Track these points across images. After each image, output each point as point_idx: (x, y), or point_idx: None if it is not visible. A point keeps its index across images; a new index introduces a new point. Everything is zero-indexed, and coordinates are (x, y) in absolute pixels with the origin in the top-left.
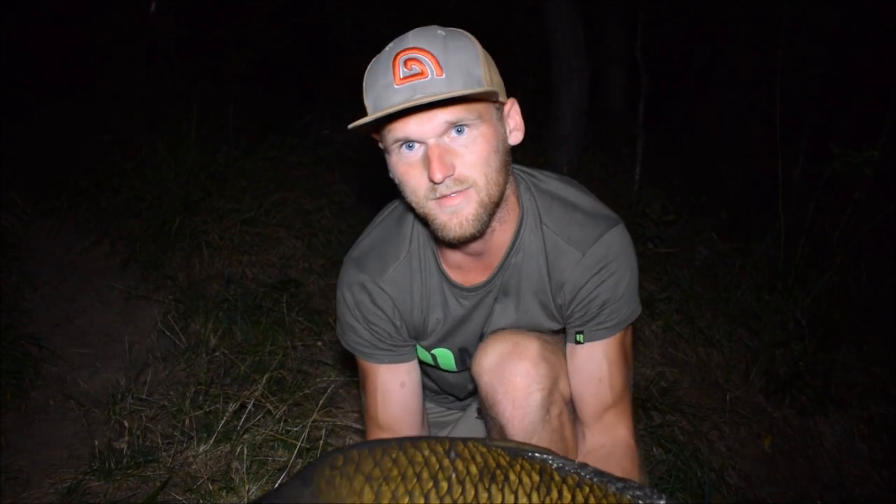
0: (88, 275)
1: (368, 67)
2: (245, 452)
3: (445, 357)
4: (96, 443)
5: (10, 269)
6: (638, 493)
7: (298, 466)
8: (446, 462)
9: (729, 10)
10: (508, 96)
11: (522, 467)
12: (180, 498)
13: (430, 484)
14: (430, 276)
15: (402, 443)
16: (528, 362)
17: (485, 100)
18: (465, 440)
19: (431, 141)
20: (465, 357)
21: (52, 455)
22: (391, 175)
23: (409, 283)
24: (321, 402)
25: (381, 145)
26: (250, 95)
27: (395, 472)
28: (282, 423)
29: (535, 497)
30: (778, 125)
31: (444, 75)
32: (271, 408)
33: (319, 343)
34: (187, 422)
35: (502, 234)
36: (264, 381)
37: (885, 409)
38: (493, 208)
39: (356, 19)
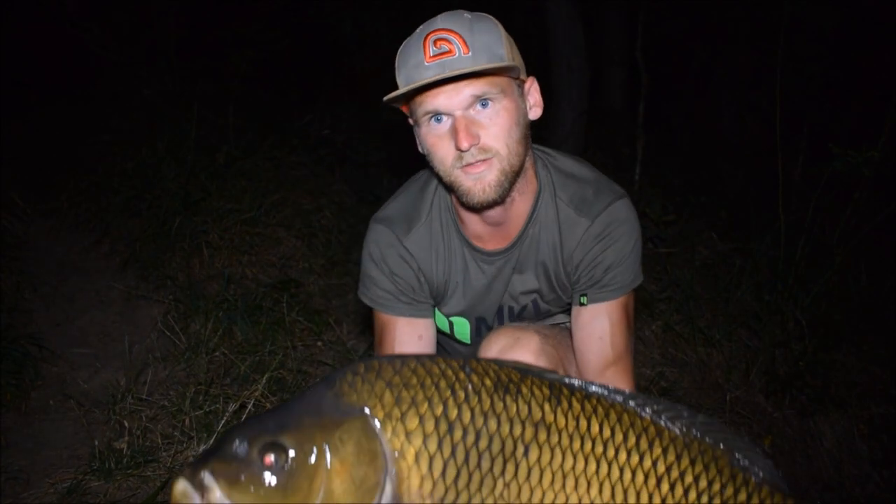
0: (88, 275)
1: (400, 49)
2: None
3: (462, 326)
4: (96, 443)
5: (10, 269)
6: (639, 400)
7: None
8: (462, 375)
9: (729, 10)
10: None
11: (533, 382)
12: None
13: (448, 392)
14: (452, 240)
15: (420, 357)
16: (530, 355)
17: (507, 76)
18: (477, 359)
19: (458, 113)
20: (481, 328)
21: (52, 455)
22: (420, 147)
23: (431, 244)
24: None
25: (410, 121)
26: (250, 95)
27: (414, 380)
28: None
29: (547, 407)
30: (778, 125)
31: (470, 53)
32: (271, 408)
33: (319, 343)
34: (187, 422)
35: (521, 204)
36: (264, 381)
37: (885, 409)
38: (513, 177)
39: (356, 19)
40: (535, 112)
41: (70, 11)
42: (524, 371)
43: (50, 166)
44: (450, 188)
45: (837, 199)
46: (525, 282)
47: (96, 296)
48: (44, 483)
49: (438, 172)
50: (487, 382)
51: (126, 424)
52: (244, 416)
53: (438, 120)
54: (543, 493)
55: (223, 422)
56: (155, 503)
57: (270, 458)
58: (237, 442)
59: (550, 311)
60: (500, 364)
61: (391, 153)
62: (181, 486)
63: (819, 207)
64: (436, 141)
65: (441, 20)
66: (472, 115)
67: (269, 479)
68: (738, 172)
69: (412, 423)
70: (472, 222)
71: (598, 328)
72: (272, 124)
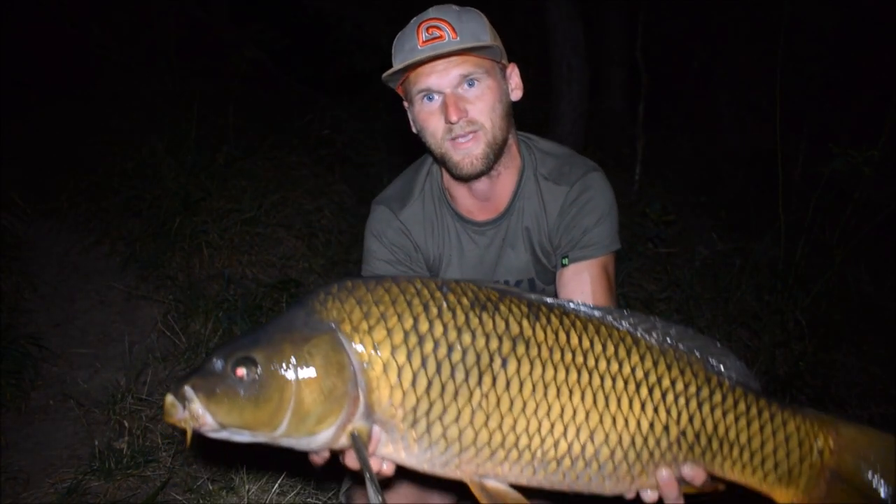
0: (88, 275)
1: (396, 38)
2: (245, 452)
3: None
4: (96, 443)
5: (10, 269)
6: (616, 314)
7: (298, 466)
8: (438, 294)
9: (729, 10)
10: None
11: (512, 301)
12: (180, 498)
13: (421, 308)
14: (444, 215)
15: (397, 277)
16: None
17: (491, 60)
18: (456, 280)
19: (448, 90)
20: None
21: (52, 455)
22: (413, 127)
23: (424, 218)
24: None
25: (405, 103)
26: (250, 95)
27: (385, 298)
28: None
29: (525, 322)
30: (778, 125)
31: (458, 38)
32: None
33: None
34: None
35: (506, 178)
36: None
37: (885, 409)
38: (498, 150)
39: (356, 19)
40: (516, 94)
41: (71, 12)
42: (503, 291)
43: (50, 166)
44: (441, 161)
45: (837, 199)
46: (518, 257)
47: (96, 296)
48: (44, 483)
49: (430, 146)
50: (464, 301)
51: (126, 424)
52: None
53: (430, 98)
54: (524, 403)
55: None
56: (155, 503)
57: (242, 371)
58: (215, 359)
59: (545, 290)
60: (480, 285)
61: (391, 153)
62: (169, 399)
63: (819, 207)
64: (427, 117)
65: (433, 11)
66: (460, 92)
67: (242, 390)
68: (738, 172)
69: (379, 335)
70: (462, 196)
71: (580, 286)
72: (272, 124)
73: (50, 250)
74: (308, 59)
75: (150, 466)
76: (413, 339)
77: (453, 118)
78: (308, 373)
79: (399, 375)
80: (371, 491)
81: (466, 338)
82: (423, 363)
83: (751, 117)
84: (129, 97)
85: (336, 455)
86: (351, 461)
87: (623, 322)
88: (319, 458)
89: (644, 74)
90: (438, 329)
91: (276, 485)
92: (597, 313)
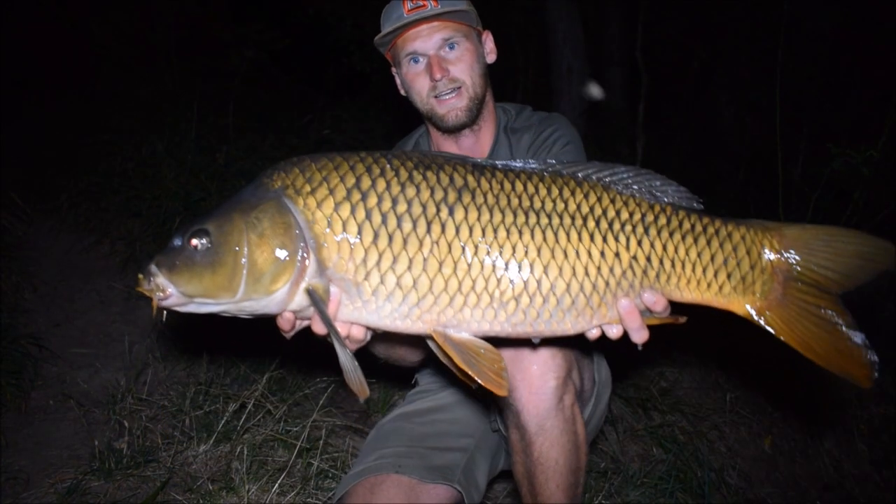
0: (88, 275)
1: (384, 10)
2: (245, 452)
3: None
4: (96, 443)
5: (10, 269)
6: (558, 165)
7: (298, 466)
8: (383, 160)
9: (729, 9)
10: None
11: (457, 162)
12: (180, 498)
13: (363, 170)
14: None
15: (345, 151)
16: (546, 351)
17: (468, 25)
18: (405, 151)
19: (432, 52)
20: None
21: (52, 455)
22: (401, 90)
23: None
24: (321, 402)
25: (393, 69)
26: (250, 95)
27: (329, 165)
28: (282, 423)
29: (470, 177)
30: (778, 125)
31: (439, 6)
32: (271, 408)
33: None
34: (187, 422)
35: (486, 133)
36: (264, 381)
37: (885, 409)
38: (479, 104)
39: (356, 19)
40: (490, 57)
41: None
42: (449, 156)
43: (50, 166)
44: (428, 117)
45: (837, 199)
46: None
47: (96, 296)
48: (44, 483)
49: (417, 104)
50: (408, 163)
51: (126, 424)
52: (244, 416)
53: (416, 60)
54: (476, 247)
55: (223, 422)
56: (155, 503)
57: (196, 241)
58: (175, 236)
59: None
60: (426, 152)
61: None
62: (140, 277)
63: (819, 207)
64: (414, 77)
65: None
66: (442, 54)
67: (199, 258)
68: (738, 172)
69: (322, 194)
70: (450, 147)
71: None
72: (272, 124)
73: (50, 250)
74: (308, 59)
75: (150, 466)
76: (356, 196)
77: (437, 76)
78: (257, 235)
79: (344, 229)
80: (338, 348)
81: (410, 191)
82: (368, 216)
83: (751, 117)
84: (129, 97)
85: (309, 335)
86: (317, 326)
87: (565, 169)
88: (286, 323)
89: (644, 74)
90: (381, 185)
91: (277, 485)
92: (538, 166)
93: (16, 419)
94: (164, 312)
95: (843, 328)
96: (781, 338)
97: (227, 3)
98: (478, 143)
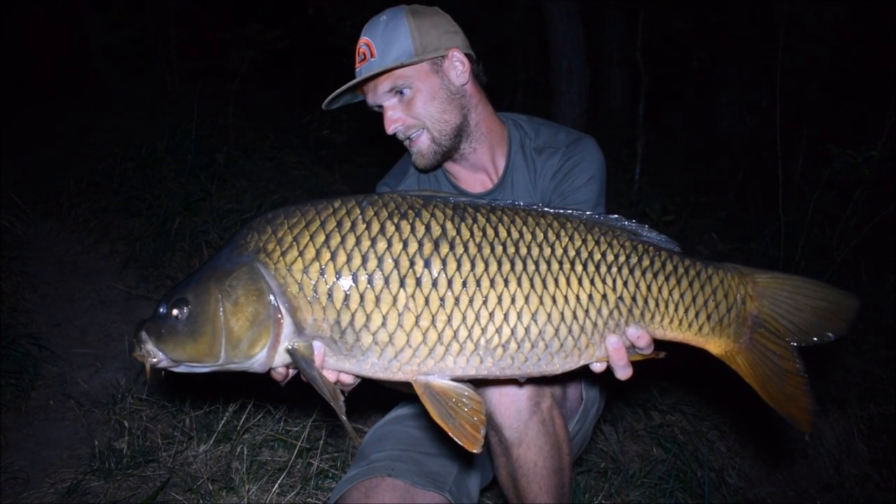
0: (88, 275)
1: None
2: (245, 452)
3: None
4: (96, 443)
5: (10, 269)
6: (541, 206)
7: (298, 466)
8: (356, 210)
9: (729, 9)
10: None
11: (436, 206)
12: (180, 498)
13: (333, 224)
14: (441, 184)
15: (318, 200)
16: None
17: (416, 63)
18: (381, 194)
19: (384, 103)
20: None
21: (52, 455)
22: None
23: (419, 188)
24: (321, 401)
25: None
26: (250, 95)
27: (300, 222)
28: (282, 423)
29: (448, 224)
30: (778, 125)
31: (376, 58)
32: (271, 408)
33: None
34: (187, 422)
35: (488, 150)
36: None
37: (885, 409)
38: (449, 138)
39: (356, 19)
40: (461, 78)
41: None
42: (429, 197)
43: (50, 166)
44: None
45: (837, 199)
46: None
47: (96, 296)
48: (44, 483)
49: None
50: (383, 212)
51: (126, 424)
52: (244, 416)
53: (379, 108)
54: (457, 299)
55: (223, 422)
56: (155, 503)
57: (176, 311)
58: (161, 304)
59: None
60: (405, 195)
61: (391, 153)
62: (132, 344)
63: (819, 207)
64: (385, 125)
65: (365, 29)
66: (394, 103)
67: (181, 328)
68: (738, 172)
69: (291, 256)
70: (456, 170)
71: None
72: (272, 124)
73: (50, 250)
74: (308, 59)
75: (150, 466)
76: (325, 256)
77: (388, 131)
78: (231, 304)
79: (315, 291)
80: (328, 398)
81: (381, 245)
82: (338, 276)
83: (751, 117)
84: (129, 97)
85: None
86: (305, 377)
87: (549, 209)
88: (277, 375)
89: (644, 74)
90: (350, 241)
91: (277, 485)
92: (521, 204)
93: (16, 419)
94: (163, 371)
95: (793, 376)
96: (746, 379)
97: (227, 3)
98: (481, 161)
